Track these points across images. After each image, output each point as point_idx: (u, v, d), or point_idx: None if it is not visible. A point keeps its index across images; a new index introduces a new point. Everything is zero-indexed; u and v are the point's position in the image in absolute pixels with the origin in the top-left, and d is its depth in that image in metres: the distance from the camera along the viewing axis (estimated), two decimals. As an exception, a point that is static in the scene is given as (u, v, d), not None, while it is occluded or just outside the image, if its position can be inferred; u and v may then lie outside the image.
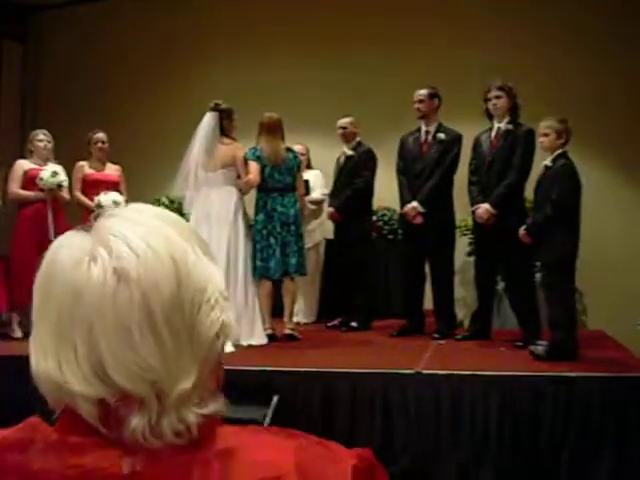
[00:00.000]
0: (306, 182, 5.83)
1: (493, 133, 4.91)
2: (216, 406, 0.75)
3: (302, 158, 5.69)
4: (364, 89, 6.98)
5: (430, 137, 5.30)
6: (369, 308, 5.82)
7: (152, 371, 0.70)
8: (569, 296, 4.28)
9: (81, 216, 5.57)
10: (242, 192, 5.10)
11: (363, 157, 5.80)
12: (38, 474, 0.71)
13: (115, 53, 8.01)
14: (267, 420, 3.46)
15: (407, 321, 5.41)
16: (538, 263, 4.74)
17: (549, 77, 6.65)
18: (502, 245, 4.75)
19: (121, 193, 5.65)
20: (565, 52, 6.69)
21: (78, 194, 5.63)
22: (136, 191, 6.02)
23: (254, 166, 5.00)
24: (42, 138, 5.56)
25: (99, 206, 5.41)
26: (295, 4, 7.52)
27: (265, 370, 3.94)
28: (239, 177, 5.06)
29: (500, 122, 4.87)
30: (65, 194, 5.53)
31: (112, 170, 5.79)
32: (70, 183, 5.57)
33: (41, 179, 5.34)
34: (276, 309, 5.16)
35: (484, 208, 4.82)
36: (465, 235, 6.16)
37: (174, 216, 0.80)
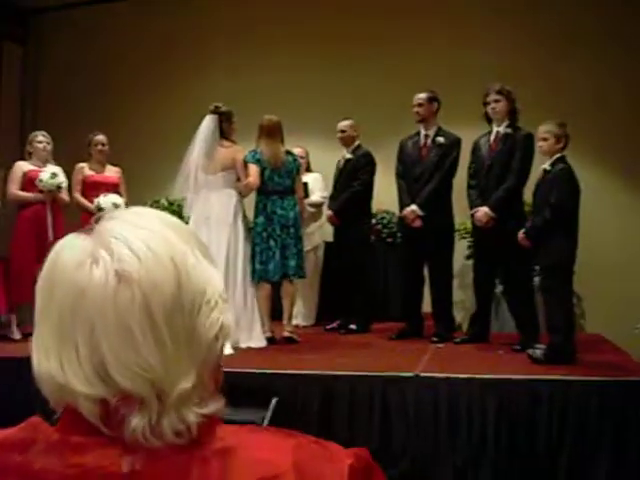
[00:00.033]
0: (305, 185, 5.84)
1: (492, 137, 4.92)
2: (216, 406, 0.76)
3: (302, 161, 5.70)
4: (364, 92, 6.99)
5: (429, 141, 5.31)
6: (368, 311, 5.82)
7: (153, 371, 0.71)
8: (567, 300, 4.29)
9: (80, 218, 5.59)
10: (242, 195, 5.11)
11: (362, 160, 5.81)
12: (39, 474, 0.72)
13: (114, 55, 8.02)
14: (266, 422, 3.47)
15: (406, 324, 5.41)
16: (537, 267, 4.75)
17: (549, 79, 6.65)
18: (501, 249, 4.76)
19: (121, 195, 5.66)
20: (564, 53, 6.69)
21: (78, 196, 5.63)
22: (136, 193, 6.03)
23: (254, 169, 5.01)
24: (41, 140, 5.57)
25: (99, 208, 5.42)
26: (295, 5, 7.53)
27: (264, 373, 3.95)
28: (239, 180, 5.07)
29: (499, 126, 4.89)
30: (64, 195, 5.53)
31: (112, 172, 5.80)
32: (69, 185, 5.58)
33: (40, 180, 5.34)
34: (275, 312, 5.16)
35: (483, 211, 4.84)
36: (464, 238, 6.17)
37: (174, 219, 0.82)
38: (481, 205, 4.86)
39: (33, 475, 0.72)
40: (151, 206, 6.64)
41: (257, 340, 4.89)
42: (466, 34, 6.92)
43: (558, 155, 4.30)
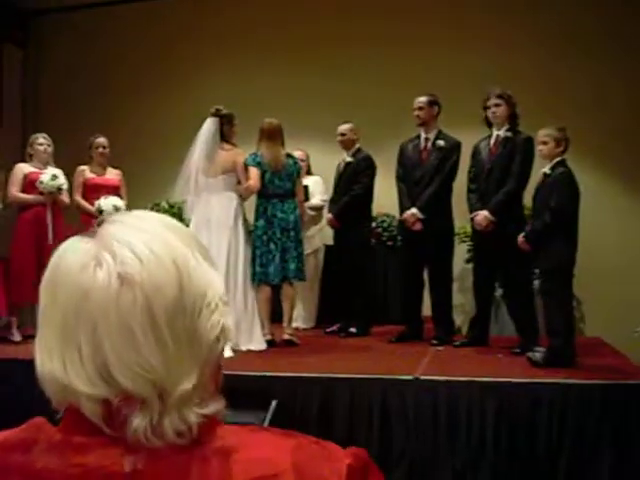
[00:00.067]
0: (305, 188, 5.85)
1: (492, 141, 4.93)
2: (216, 406, 0.77)
3: (302, 164, 5.71)
4: (364, 96, 7.00)
5: (429, 144, 5.32)
6: (368, 314, 5.82)
7: (154, 372, 0.72)
8: (567, 303, 4.30)
9: (80, 220, 5.60)
10: (242, 198, 5.12)
11: (362, 164, 5.81)
12: (41, 473, 0.73)
13: (114, 57, 8.04)
14: (265, 425, 3.47)
15: (406, 327, 5.42)
16: (536, 270, 4.76)
17: (549, 79, 6.67)
18: (501, 252, 4.77)
19: (121, 197, 5.67)
20: (564, 54, 6.70)
21: (79, 198, 5.64)
22: (136, 195, 6.05)
23: (254, 172, 5.02)
24: (42, 142, 5.58)
25: (99, 210, 5.43)
26: (295, 8, 7.54)
27: (264, 375, 3.95)
28: (239, 183, 5.07)
29: (499, 130, 4.90)
30: (65, 197, 5.54)
31: (113, 175, 5.81)
32: (70, 187, 5.59)
33: (41, 182, 5.35)
34: (275, 315, 5.17)
35: (483, 215, 4.84)
36: (464, 242, 6.18)
37: (175, 222, 0.83)
38: (481, 209, 4.87)
39: (35, 475, 0.73)
40: (151, 209, 6.69)
41: (257, 343, 4.89)
42: (466, 36, 6.93)
43: (558, 159, 4.31)
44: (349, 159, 5.89)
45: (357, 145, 5.91)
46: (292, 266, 5.05)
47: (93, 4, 8.06)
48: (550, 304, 4.27)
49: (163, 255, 0.75)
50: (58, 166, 5.59)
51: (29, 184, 5.42)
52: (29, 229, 5.37)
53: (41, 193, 5.38)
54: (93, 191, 5.62)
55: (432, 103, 5.35)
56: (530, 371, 3.99)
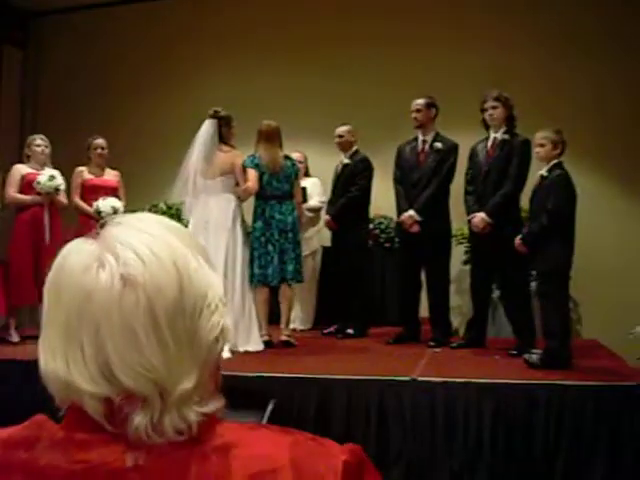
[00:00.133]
0: (303, 190, 5.86)
1: (489, 143, 4.95)
2: (215, 405, 0.79)
3: (300, 166, 5.71)
4: (362, 98, 7.02)
5: (427, 146, 5.33)
6: (365, 315, 5.83)
7: (155, 371, 0.74)
8: (564, 305, 4.31)
9: (78, 221, 5.61)
10: (240, 199, 5.13)
11: (360, 166, 5.82)
12: (45, 470, 0.74)
13: (114, 58, 8.05)
14: (263, 426, 3.48)
15: (403, 329, 5.43)
16: (533, 272, 4.77)
17: (548, 79, 6.67)
18: (498, 254, 4.78)
19: (120, 199, 5.68)
20: (564, 54, 6.70)
21: (77, 199, 5.64)
22: (135, 196, 6.06)
23: (252, 174, 5.03)
24: (40, 143, 5.58)
25: (97, 211, 5.44)
26: (293, 9, 7.55)
27: (261, 376, 3.96)
28: (237, 184, 5.08)
29: (496, 132, 4.91)
30: (62, 198, 5.54)
31: (111, 176, 5.82)
32: (68, 188, 5.60)
33: (38, 183, 5.35)
34: (273, 316, 5.18)
35: (480, 217, 4.86)
36: (461, 244, 6.20)
37: (177, 225, 0.84)
38: (478, 211, 4.89)
39: (39, 472, 0.74)
40: (150, 210, 6.70)
41: (255, 344, 4.90)
42: (466, 36, 6.94)
43: (555, 161, 4.32)
44: (347, 161, 5.90)
45: (355, 147, 5.92)
46: (290, 267, 5.06)
47: (92, 5, 8.08)
48: (547, 306, 4.28)
49: (164, 257, 0.77)
50: (57, 167, 5.59)
51: (26, 185, 5.42)
52: (26, 230, 5.37)
53: (39, 194, 5.38)
54: (91, 192, 5.62)
55: (430, 105, 5.36)
56: (527, 373, 4.00)
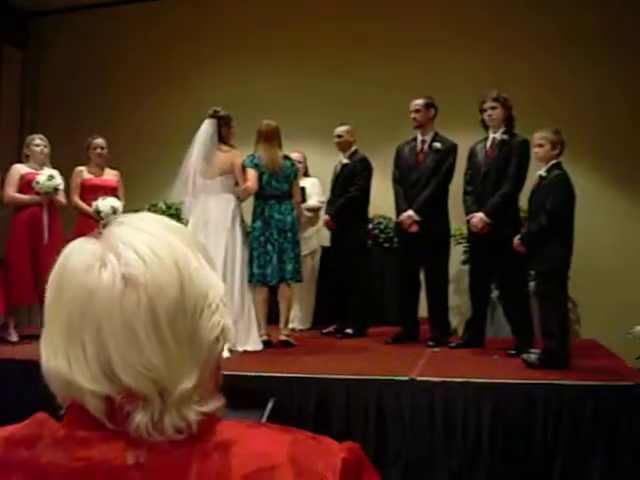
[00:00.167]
0: (302, 189, 5.87)
1: (488, 143, 4.95)
2: (215, 404, 0.80)
3: (299, 166, 5.72)
4: (361, 98, 7.02)
5: (426, 146, 5.34)
6: (364, 315, 5.84)
7: (156, 371, 0.75)
8: (562, 305, 4.31)
9: (77, 221, 5.61)
10: (240, 199, 5.13)
11: (359, 166, 5.83)
12: (46, 468, 0.75)
13: (114, 58, 8.06)
14: (262, 425, 3.48)
15: (402, 328, 5.43)
16: (532, 272, 4.78)
17: (548, 79, 6.68)
18: (496, 254, 4.78)
19: (119, 198, 5.68)
20: (564, 54, 6.70)
21: (76, 199, 5.65)
22: (134, 196, 6.07)
23: (252, 173, 5.04)
24: (39, 143, 5.58)
25: (97, 211, 5.45)
26: (293, 9, 7.56)
27: (260, 375, 3.96)
28: (237, 184, 5.09)
29: (495, 132, 4.92)
30: (61, 198, 5.54)
31: (110, 175, 5.82)
32: (67, 187, 5.60)
33: (37, 182, 5.35)
34: (272, 315, 5.18)
35: (479, 217, 4.86)
36: (460, 244, 6.20)
37: (178, 225, 0.85)
38: (477, 211, 4.89)
39: (40, 469, 0.75)
40: (149, 209, 6.70)
41: (254, 343, 4.91)
42: (465, 37, 6.95)
43: (554, 161, 4.33)
44: (346, 161, 5.90)
45: (354, 147, 5.93)
46: (289, 267, 5.07)
47: (92, 5, 8.08)
48: (545, 306, 4.29)
49: (165, 257, 0.77)
50: (56, 167, 5.60)
51: (25, 185, 5.42)
52: (25, 229, 5.37)
53: (37, 193, 5.39)
54: (91, 192, 5.63)
55: (429, 105, 5.37)
56: (525, 372, 4.01)
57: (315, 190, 6.45)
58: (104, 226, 0.82)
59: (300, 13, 7.55)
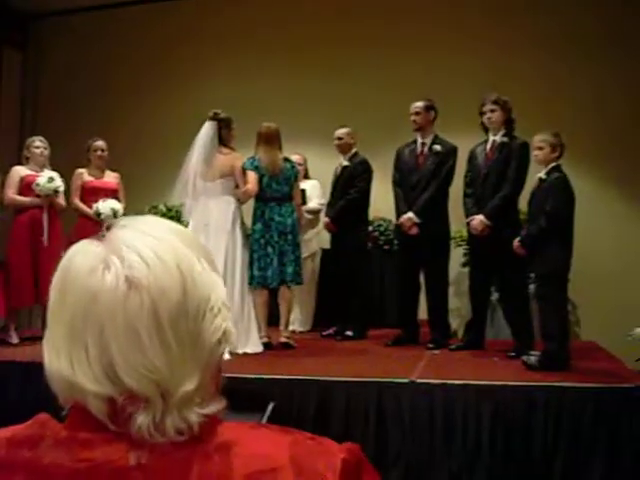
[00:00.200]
0: (303, 192, 5.88)
1: (488, 146, 4.95)
2: (216, 406, 0.80)
3: (299, 168, 5.73)
4: (362, 100, 7.03)
5: (426, 149, 5.35)
6: (364, 317, 5.84)
7: (158, 373, 0.75)
8: (562, 307, 4.31)
9: (77, 223, 5.61)
10: (240, 202, 5.14)
11: (359, 168, 5.84)
12: (49, 468, 0.75)
13: (113, 60, 8.06)
14: (262, 427, 3.48)
15: (402, 330, 5.44)
16: (532, 274, 4.78)
17: (548, 79, 6.68)
18: (496, 256, 4.79)
19: (119, 200, 5.69)
20: (564, 55, 6.71)
21: (77, 201, 5.65)
22: (135, 198, 6.07)
23: (252, 176, 5.04)
24: (39, 145, 5.59)
25: (97, 213, 5.46)
26: (294, 10, 7.57)
27: (260, 378, 3.97)
28: (237, 187, 5.09)
29: (495, 135, 4.92)
30: (61, 200, 5.55)
31: (111, 177, 5.83)
32: (67, 189, 5.61)
33: (37, 185, 5.36)
34: (272, 318, 5.19)
35: (479, 220, 4.87)
36: (460, 246, 6.21)
37: (181, 228, 0.86)
38: (477, 213, 4.90)
39: (42, 470, 0.75)
40: (149, 211, 6.70)
41: (254, 345, 4.91)
42: (465, 39, 6.95)
43: (553, 164, 4.33)
44: (346, 163, 5.91)
45: (354, 149, 5.93)
46: (290, 269, 5.07)
47: (91, 7, 8.09)
48: (545, 308, 4.29)
49: (168, 260, 0.78)
50: (56, 169, 5.60)
51: (25, 187, 5.42)
52: (25, 232, 5.37)
53: (38, 196, 5.39)
54: (91, 194, 5.63)
55: (429, 108, 5.37)
56: (525, 375, 4.01)
57: (315, 192, 6.46)
58: (107, 228, 0.82)
59: (300, 14, 7.56)
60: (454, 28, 7.04)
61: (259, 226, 5.09)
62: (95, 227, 5.18)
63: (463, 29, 7.01)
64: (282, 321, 5.17)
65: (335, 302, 6.05)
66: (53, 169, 5.59)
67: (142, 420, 0.74)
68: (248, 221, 5.27)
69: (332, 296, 6.14)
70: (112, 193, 5.70)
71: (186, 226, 4.91)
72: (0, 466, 0.77)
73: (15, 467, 0.76)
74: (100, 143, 5.79)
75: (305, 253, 5.89)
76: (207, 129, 5.05)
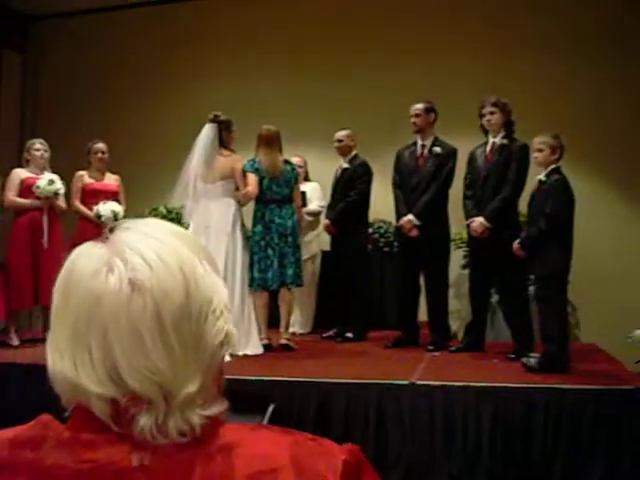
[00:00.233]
0: (303, 194, 5.88)
1: (488, 148, 4.96)
2: (218, 408, 0.81)
3: (300, 170, 5.73)
4: (362, 102, 7.04)
5: (426, 151, 5.35)
6: (364, 319, 5.84)
7: (161, 375, 0.76)
8: (562, 309, 4.31)
9: (78, 225, 5.62)
10: (240, 204, 5.14)
11: (359, 170, 5.84)
12: (51, 469, 0.76)
13: (113, 62, 8.07)
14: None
15: (402, 332, 5.44)
16: (532, 276, 4.79)
17: (548, 80, 6.69)
18: (496, 258, 4.79)
19: (120, 203, 5.69)
20: (564, 56, 6.71)
21: (77, 203, 5.66)
22: (135, 200, 6.07)
23: (252, 178, 5.05)
24: (39, 147, 5.60)
25: (98, 216, 5.46)
26: (295, 11, 7.58)
27: (261, 379, 3.97)
28: (237, 189, 5.10)
29: (495, 137, 4.92)
30: (61, 203, 5.55)
31: (111, 180, 5.83)
32: (67, 192, 5.61)
33: (38, 187, 5.36)
34: (272, 319, 5.19)
35: (479, 222, 4.87)
36: (460, 248, 6.21)
37: (184, 231, 0.86)
38: (477, 215, 4.90)
39: (45, 471, 0.76)
40: (149, 214, 6.71)
41: (254, 347, 4.91)
42: (465, 41, 6.96)
43: (553, 166, 4.33)
44: (346, 165, 5.92)
45: (354, 151, 5.94)
46: (290, 271, 5.08)
47: (90, 10, 8.10)
48: (545, 310, 4.29)
49: (171, 262, 0.79)
50: (56, 171, 5.61)
51: (26, 189, 5.43)
52: (25, 234, 5.37)
53: (38, 198, 5.40)
54: (92, 196, 5.64)
55: (429, 110, 5.38)
56: (525, 376, 4.01)
57: (315, 194, 6.47)
58: (110, 231, 0.82)
59: (300, 17, 7.57)
60: (454, 30, 7.05)
61: (259, 228, 5.10)
62: (96, 229, 5.20)
63: (463, 31, 7.02)
64: (282, 323, 5.17)
65: (335, 304, 6.05)
66: (53, 171, 5.59)
67: (145, 421, 0.75)
68: (248, 223, 5.27)
69: (332, 298, 6.14)
70: (112, 195, 5.71)
71: (186, 228, 4.91)
72: (3, 467, 0.77)
73: (18, 468, 0.77)
74: (100, 145, 5.79)
75: (305, 255, 5.89)
76: (207, 131, 5.06)
